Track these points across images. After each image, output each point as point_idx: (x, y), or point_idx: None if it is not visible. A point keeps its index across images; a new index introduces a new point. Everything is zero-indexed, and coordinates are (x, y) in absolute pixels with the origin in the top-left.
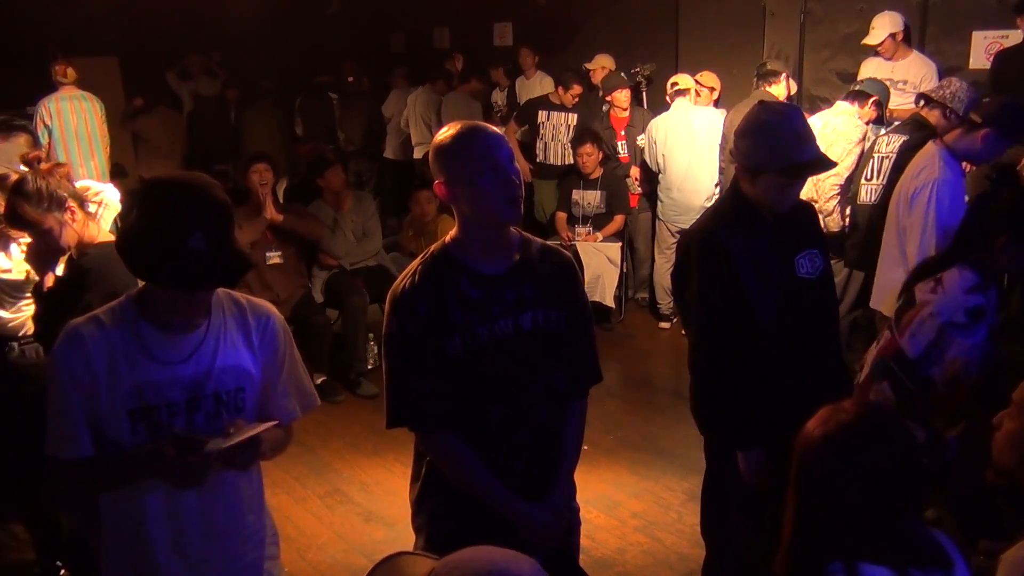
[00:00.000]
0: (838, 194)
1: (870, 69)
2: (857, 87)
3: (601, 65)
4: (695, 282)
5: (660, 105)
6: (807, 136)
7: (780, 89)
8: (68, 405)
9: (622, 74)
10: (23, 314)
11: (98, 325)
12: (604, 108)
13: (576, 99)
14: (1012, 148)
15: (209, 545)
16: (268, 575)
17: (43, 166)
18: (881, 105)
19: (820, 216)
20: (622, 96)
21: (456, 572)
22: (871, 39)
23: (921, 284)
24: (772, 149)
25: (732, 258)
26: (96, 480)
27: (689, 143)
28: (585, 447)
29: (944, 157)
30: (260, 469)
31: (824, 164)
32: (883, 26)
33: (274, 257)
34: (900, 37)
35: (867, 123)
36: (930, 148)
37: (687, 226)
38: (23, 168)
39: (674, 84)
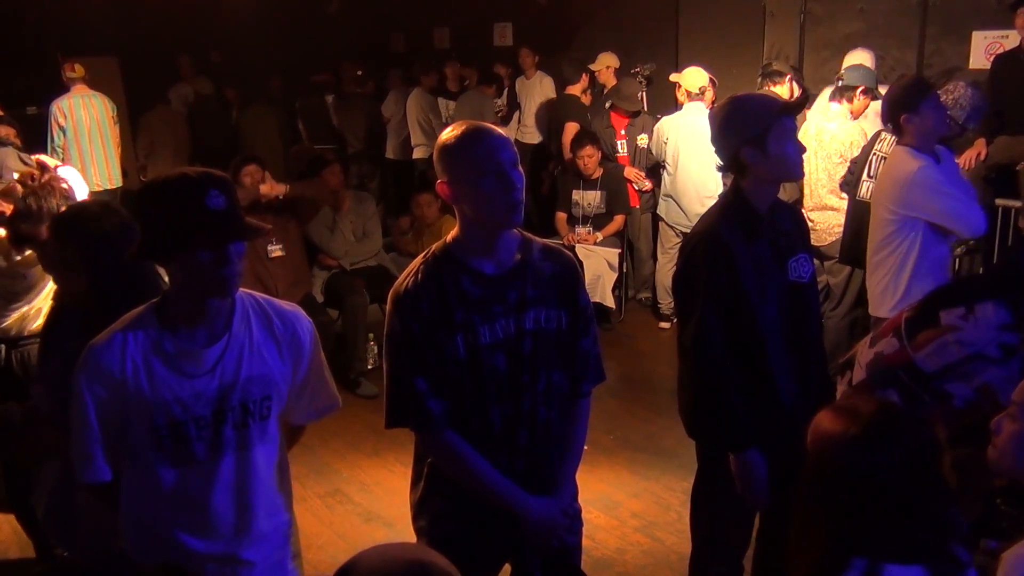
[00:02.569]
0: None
1: (855, 59)
2: (840, 83)
3: (606, 64)
4: (700, 284)
5: (660, 105)
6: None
7: (783, 90)
8: (88, 428)
9: (637, 94)
10: (10, 317)
11: (120, 343)
12: (607, 105)
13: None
14: (1009, 136)
15: (245, 546)
16: (293, 574)
17: (34, 183)
18: (870, 90)
19: (814, 221)
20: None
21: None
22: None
23: (949, 310)
24: (761, 107)
25: (736, 260)
26: (108, 508)
27: (697, 147)
28: (585, 447)
29: (911, 152)
30: (289, 468)
31: (803, 101)
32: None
33: (275, 250)
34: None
35: (862, 113)
36: (896, 151)
37: (688, 229)
38: (16, 183)
39: (702, 88)
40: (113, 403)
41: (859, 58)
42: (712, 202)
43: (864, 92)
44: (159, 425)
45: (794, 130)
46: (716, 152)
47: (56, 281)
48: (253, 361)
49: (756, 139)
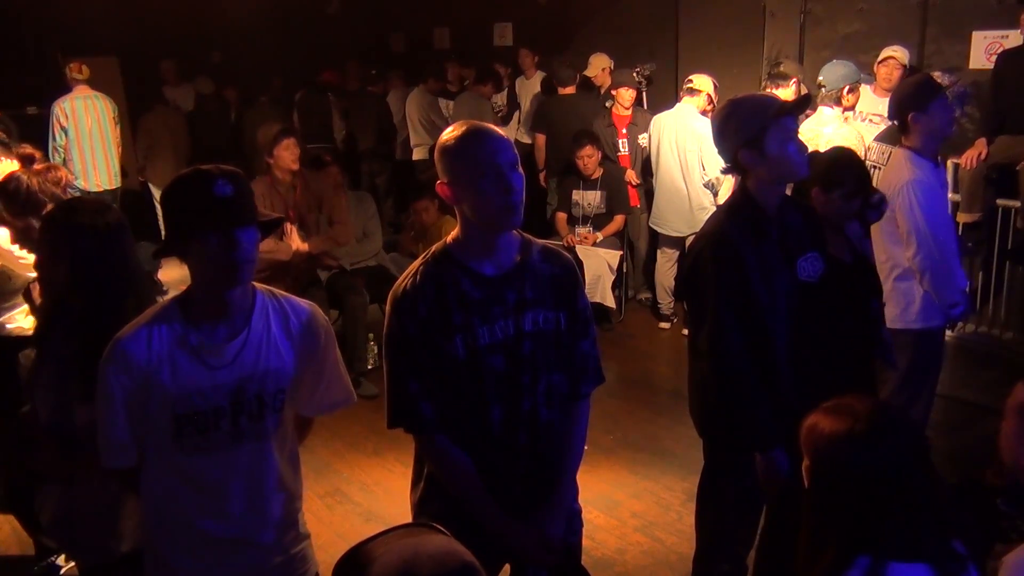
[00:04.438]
0: None
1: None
2: (824, 90)
3: (600, 67)
4: (710, 286)
5: (660, 105)
6: None
7: (788, 94)
8: (115, 415)
9: (634, 74)
10: (4, 315)
11: (146, 336)
12: (608, 104)
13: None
14: (1009, 136)
15: (259, 530)
16: (304, 555)
17: (37, 166)
18: (852, 88)
19: None
20: (626, 94)
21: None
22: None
23: None
24: (756, 109)
25: (744, 261)
26: (132, 491)
27: (684, 147)
28: (585, 447)
29: (911, 158)
30: (299, 457)
31: (805, 100)
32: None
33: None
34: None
35: (852, 107)
36: (896, 154)
37: (670, 233)
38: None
39: (689, 81)
40: (138, 393)
41: (830, 65)
42: (693, 206)
43: (851, 91)
44: (180, 415)
45: (794, 130)
46: (719, 154)
47: (37, 268)
48: (270, 355)
49: (752, 141)
